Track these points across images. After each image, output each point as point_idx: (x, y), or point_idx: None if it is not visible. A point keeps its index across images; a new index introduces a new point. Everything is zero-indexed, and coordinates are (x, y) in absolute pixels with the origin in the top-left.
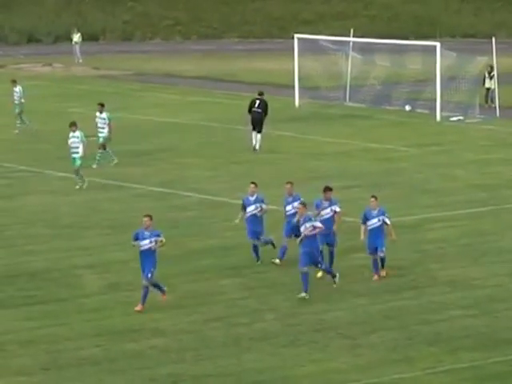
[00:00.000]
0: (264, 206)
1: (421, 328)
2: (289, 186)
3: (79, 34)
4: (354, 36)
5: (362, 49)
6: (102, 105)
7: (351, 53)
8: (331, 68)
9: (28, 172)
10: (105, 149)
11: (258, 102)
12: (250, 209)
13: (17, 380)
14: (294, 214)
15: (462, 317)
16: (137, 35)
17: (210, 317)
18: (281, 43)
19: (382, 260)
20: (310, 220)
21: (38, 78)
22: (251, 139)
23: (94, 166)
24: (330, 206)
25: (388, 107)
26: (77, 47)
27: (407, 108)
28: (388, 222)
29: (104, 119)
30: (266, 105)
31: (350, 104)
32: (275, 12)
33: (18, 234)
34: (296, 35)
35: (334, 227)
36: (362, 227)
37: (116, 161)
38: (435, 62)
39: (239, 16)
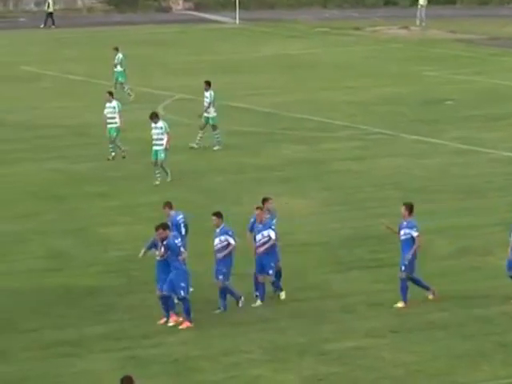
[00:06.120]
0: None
1: None
2: (258, 211)
3: None
4: None
5: None
6: (111, 93)
7: None
8: None
9: (382, 134)
10: (114, 142)
11: None
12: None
13: (366, 341)
14: None
15: None
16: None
17: None
18: None
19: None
20: None
21: (394, 40)
22: None
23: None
24: None
25: None
26: (422, 10)
27: None
28: None
29: (114, 108)
30: None
31: None
32: None
33: (369, 196)
34: None
35: None
36: None
37: (124, 154)
38: None
39: None
